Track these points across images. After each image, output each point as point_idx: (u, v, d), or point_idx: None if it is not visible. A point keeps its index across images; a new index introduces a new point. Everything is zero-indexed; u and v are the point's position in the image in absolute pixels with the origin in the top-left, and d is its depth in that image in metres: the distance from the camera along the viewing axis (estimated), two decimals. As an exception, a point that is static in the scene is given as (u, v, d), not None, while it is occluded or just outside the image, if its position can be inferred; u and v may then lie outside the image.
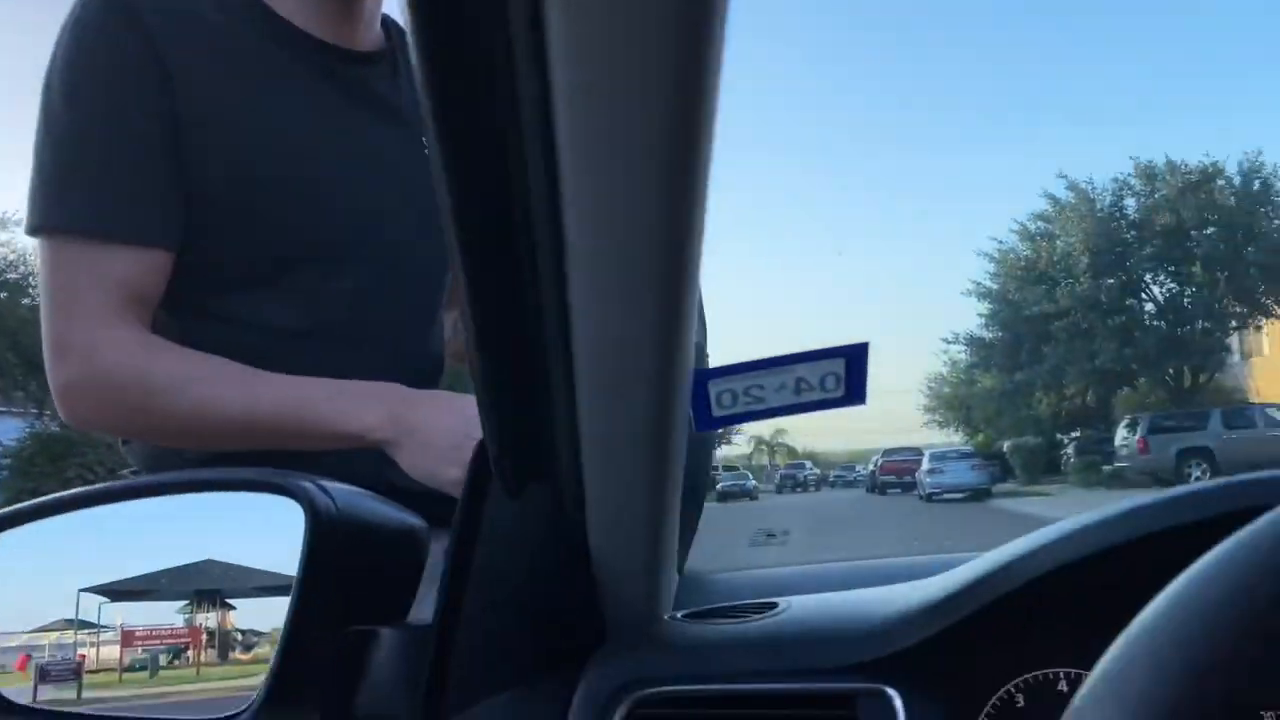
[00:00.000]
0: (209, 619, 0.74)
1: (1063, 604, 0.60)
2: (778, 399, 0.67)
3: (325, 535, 0.64)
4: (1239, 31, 59.94)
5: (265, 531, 0.72)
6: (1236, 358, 34.05)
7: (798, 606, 0.71)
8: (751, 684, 0.62)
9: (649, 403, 0.52)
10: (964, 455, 29.74)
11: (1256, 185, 27.93)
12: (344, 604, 0.67)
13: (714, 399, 0.66)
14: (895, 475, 35.75)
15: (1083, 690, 0.35)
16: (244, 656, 0.73)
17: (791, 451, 75.74)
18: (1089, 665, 0.34)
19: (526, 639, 0.69)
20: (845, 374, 0.67)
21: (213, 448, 1.06)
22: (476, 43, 0.38)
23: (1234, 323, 29.61)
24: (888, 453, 38.87)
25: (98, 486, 0.72)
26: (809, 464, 61.13)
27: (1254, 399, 29.62)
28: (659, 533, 0.66)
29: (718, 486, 42.61)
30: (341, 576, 0.66)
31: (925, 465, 29.63)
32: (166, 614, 0.76)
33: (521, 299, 0.49)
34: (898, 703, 0.60)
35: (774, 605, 0.71)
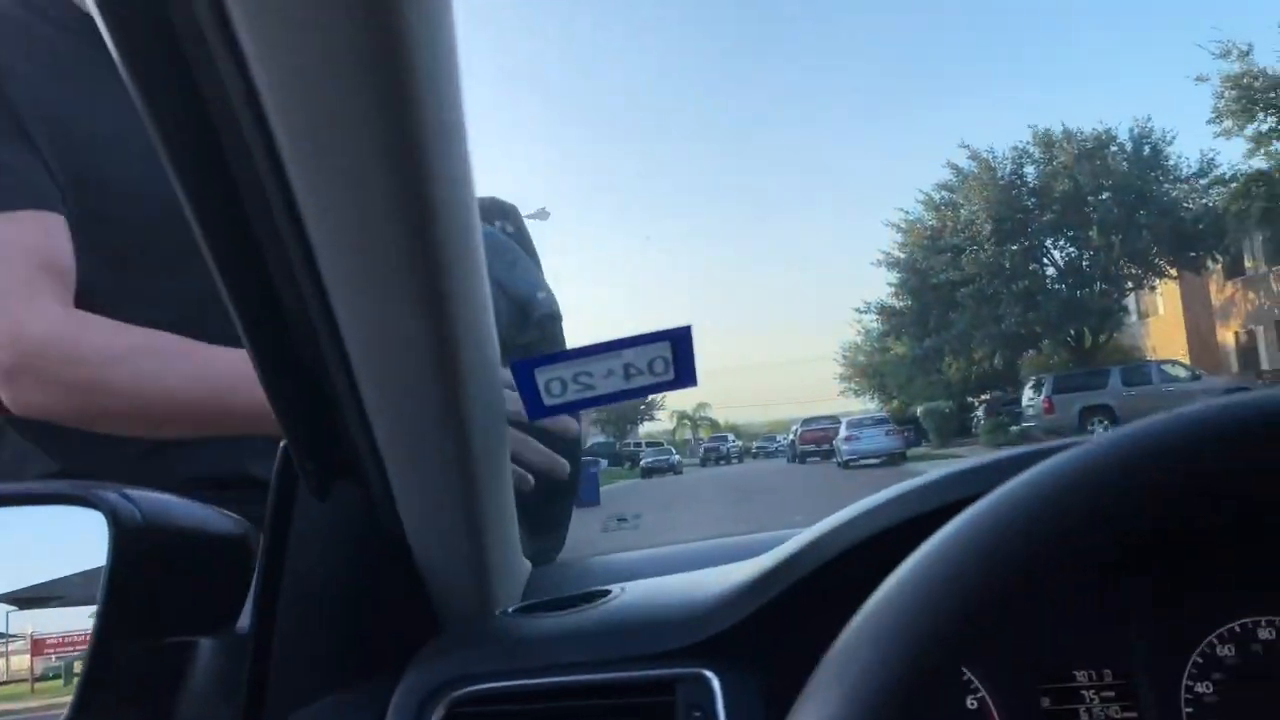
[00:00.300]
0: None
1: (874, 579, 0.61)
2: (608, 385, 0.67)
3: (129, 545, 0.62)
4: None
5: (78, 545, 0.69)
6: (1134, 318, 35.46)
7: (630, 593, 0.71)
8: (573, 675, 0.62)
9: (438, 398, 0.51)
10: (878, 422, 30.43)
11: (1146, 150, 28.93)
12: (157, 615, 0.64)
13: (543, 387, 0.65)
14: (814, 444, 36.42)
15: (815, 673, 0.36)
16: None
17: (714, 425, 76.48)
18: None
19: (349, 640, 0.68)
20: (672, 357, 0.67)
21: (150, 432, 1.01)
22: (179, 54, 0.37)
23: (1130, 284, 30.74)
24: (806, 422, 39.55)
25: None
26: (731, 436, 61.84)
27: (1150, 357, 30.95)
28: (480, 525, 0.65)
29: (641, 463, 42.82)
30: (152, 586, 0.64)
31: (842, 433, 30.23)
32: (79, 620, 0.73)
33: (285, 303, 0.48)
34: (715, 685, 0.60)
35: (606, 593, 0.71)
